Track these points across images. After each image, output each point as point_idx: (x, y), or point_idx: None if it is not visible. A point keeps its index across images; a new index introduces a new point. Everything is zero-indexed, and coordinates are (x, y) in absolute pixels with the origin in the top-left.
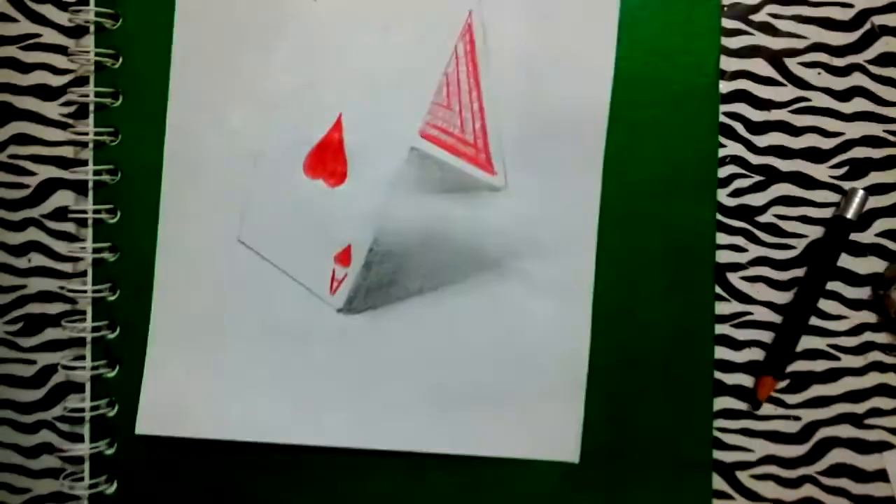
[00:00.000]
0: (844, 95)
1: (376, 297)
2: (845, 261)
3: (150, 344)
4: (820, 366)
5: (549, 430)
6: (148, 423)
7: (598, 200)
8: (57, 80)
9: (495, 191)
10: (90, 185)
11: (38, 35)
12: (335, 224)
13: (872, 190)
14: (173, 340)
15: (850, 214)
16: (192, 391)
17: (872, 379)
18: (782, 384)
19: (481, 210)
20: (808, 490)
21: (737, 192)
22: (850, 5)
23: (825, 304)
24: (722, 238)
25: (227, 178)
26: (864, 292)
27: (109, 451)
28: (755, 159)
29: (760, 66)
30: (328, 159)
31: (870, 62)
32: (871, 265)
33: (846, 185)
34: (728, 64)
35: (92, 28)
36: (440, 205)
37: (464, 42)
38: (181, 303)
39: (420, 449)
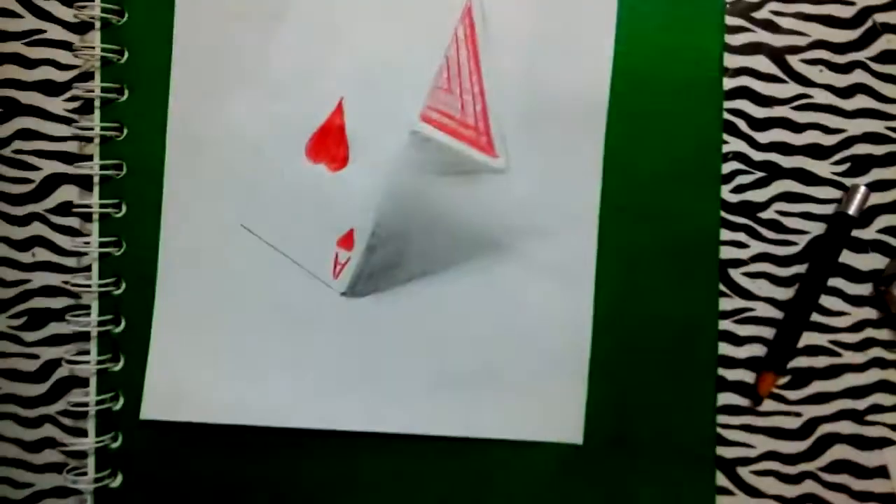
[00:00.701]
0: (846, 92)
1: (379, 281)
2: (846, 257)
3: (155, 329)
4: (821, 362)
5: (553, 411)
6: (152, 408)
7: (600, 182)
8: (61, 76)
9: (497, 173)
10: (96, 179)
11: (42, 31)
12: (337, 208)
13: (874, 186)
14: (177, 325)
15: (851, 211)
16: (196, 376)
17: (873, 375)
18: (783, 380)
19: (483, 193)
20: (808, 486)
21: (739, 189)
22: (852, 3)
23: (826, 301)
24: (724, 234)
25: (230, 163)
26: (865, 289)
27: (114, 445)
28: (757, 156)
29: (762, 63)
30: (330, 144)
31: (871, 59)
32: (872, 261)
33: (848, 181)
34: (730, 61)
35: (98, 24)
36: (442, 188)
37: (464, 25)
38: (185, 288)
39: (424, 431)
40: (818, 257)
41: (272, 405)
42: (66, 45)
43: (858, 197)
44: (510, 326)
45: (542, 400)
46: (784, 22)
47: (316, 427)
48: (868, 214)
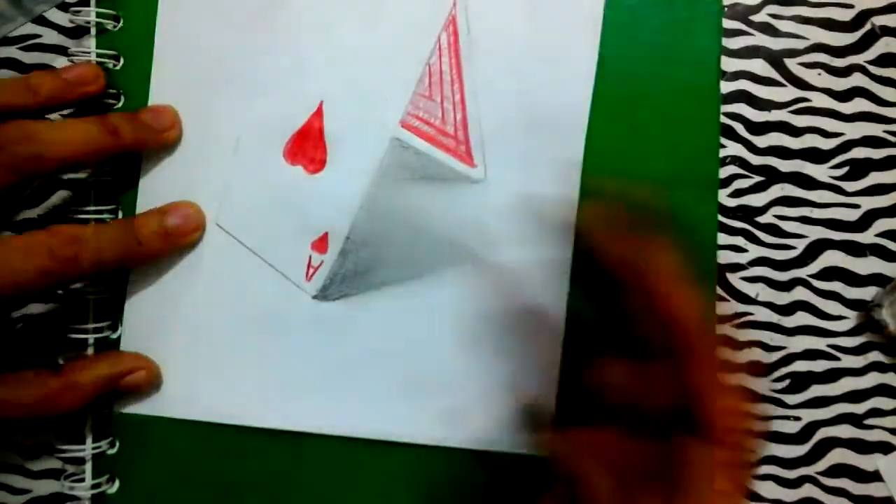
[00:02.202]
0: (844, 96)
1: (352, 286)
2: (845, 261)
3: (125, 326)
4: (820, 366)
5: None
6: (122, 402)
7: (578, 194)
8: None
9: (474, 183)
10: (91, 188)
11: (38, 35)
12: (313, 211)
13: (872, 190)
14: (148, 322)
15: None
16: (168, 373)
17: (872, 379)
18: (782, 384)
19: (460, 202)
20: (807, 490)
21: (737, 193)
22: (851, 6)
23: (825, 305)
24: (722, 238)
25: (207, 161)
26: (864, 293)
27: (111, 451)
28: (755, 160)
29: (760, 67)
30: (308, 146)
31: (870, 63)
32: (871, 265)
33: (846, 185)
34: (728, 64)
35: (93, 30)
36: (419, 195)
37: (447, 33)
38: (157, 284)
39: (391, 437)
40: None
41: (240, 404)
42: (61, 50)
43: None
44: (482, 337)
45: (512, 411)
46: (782, 25)
47: (279, 427)
48: (866, 218)
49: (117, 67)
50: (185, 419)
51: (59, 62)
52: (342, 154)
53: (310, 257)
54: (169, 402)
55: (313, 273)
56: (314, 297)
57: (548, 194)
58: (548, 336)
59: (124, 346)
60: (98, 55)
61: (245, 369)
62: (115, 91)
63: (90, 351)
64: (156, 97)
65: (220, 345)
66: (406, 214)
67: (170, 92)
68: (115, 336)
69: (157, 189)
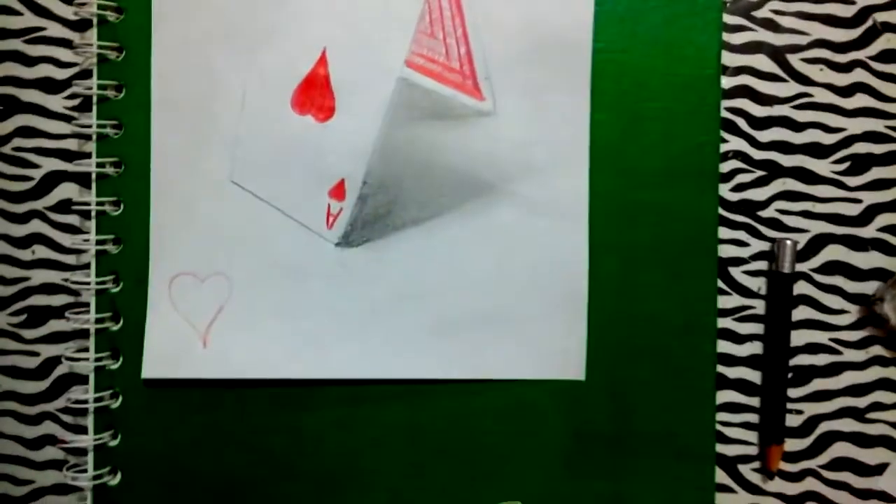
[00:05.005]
0: (846, 91)
1: (373, 230)
2: (847, 255)
3: (151, 289)
4: (822, 360)
5: (553, 348)
6: (154, 367)
7: (588, 119)
8: (61, 74)
9: (484, 116)
10: (93, 177)
11: (42, 28)
12: (327, 159)
13: (874, 185)
14: (172, 282)
15: (786, 268)
16: (194, 334)
17: (874, 373)
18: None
19: (471, 136)
20: (809, 483)
21: (739, 187)
22: (852, 2)
23: (826, 299)
24: (725, 233)
25: (216, 119)
26: (865, 287)
27: (113, 443)
28: (757, 154)
29: (763, 62)
30: (315, 94)
31: (871, 58)
32: (872, 260)
33: (848, 180)
34: (730, 60)
35: (95, 21)
36: (430, 133)
37: None
38: (178, 246)
39: (424, 376)
40: (772, 320)
41: (271, 358)
42: (65, 43)
43: (788, 252)
44: (505, 267)
45: (542, 338)
46: (784, 21)
47: (316, 376)
48: (868, 213)
49: (119, 59)
50: (216, 378)
51: (64, 55)
52: (350, 99)
53: (329, 205)
54: (197, 364)
55: (333, 221)
56: (337, 245)
57: (558, 119)
58: (570, 261)
59: (151, 311)
60: (100, 46)
61: (273, 322)
62: (117, 83)
63: (91, 343)
64: (158, 54)
65: (247, 300)
66: (420, 153)
67: (172, 48)
68: (115, 328)
69: (167, 147)
